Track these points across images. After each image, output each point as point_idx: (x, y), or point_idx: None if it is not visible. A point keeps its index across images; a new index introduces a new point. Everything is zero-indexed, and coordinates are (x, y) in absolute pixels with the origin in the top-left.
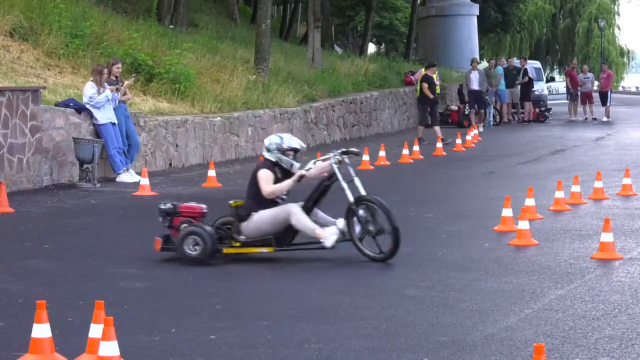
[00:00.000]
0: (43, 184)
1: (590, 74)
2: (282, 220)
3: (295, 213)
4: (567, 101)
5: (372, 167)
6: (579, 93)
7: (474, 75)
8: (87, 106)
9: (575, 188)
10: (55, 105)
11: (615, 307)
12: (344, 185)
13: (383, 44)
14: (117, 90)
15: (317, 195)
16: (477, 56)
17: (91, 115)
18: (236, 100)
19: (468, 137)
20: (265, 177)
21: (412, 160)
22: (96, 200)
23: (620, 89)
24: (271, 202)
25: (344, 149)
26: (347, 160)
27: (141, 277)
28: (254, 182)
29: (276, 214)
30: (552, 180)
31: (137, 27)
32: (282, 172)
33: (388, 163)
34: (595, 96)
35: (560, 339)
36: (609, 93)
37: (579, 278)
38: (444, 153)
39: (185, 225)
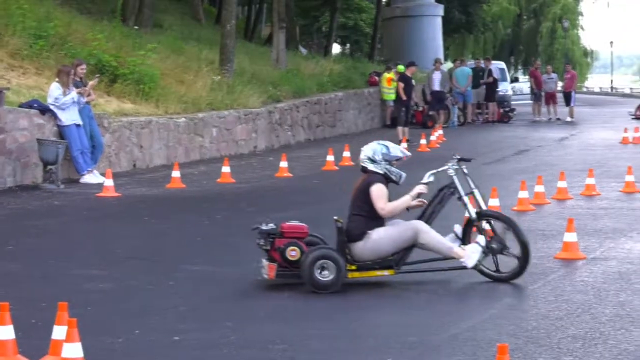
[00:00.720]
0: (6, 185)
1: (554, 75)
2: (407, 239)
3: (425, 231)
4: (531, 101)
5: (337, 168)
6: (542, 93)
7: (436, 75)
8: (51, 107)
9: (539, 188)
10: (19, 106)
11: (578, 307)
12: (465, 199)
13: (348, 44)
14: (81, 93)
15: (433, 209)
16: (441, 57)
17: (55, 117)
18: (200, 101)
19: (432, 138)
20: (381, 194)
21: None
22: (60, 201)
23: (584, 89)
24: (381, 219)
25: (459, 156)
26: (465, 169)
27: (105, 279)
28: (365, 198)
29: (400, 233)
30: (516, 181)
31: (102, 28)
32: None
33: (352, 164)
34: (559, 96)
35: (524, 339)
36: (572, 93)
37: (542, 278)
38: (409, 153)
39: (294, 247)
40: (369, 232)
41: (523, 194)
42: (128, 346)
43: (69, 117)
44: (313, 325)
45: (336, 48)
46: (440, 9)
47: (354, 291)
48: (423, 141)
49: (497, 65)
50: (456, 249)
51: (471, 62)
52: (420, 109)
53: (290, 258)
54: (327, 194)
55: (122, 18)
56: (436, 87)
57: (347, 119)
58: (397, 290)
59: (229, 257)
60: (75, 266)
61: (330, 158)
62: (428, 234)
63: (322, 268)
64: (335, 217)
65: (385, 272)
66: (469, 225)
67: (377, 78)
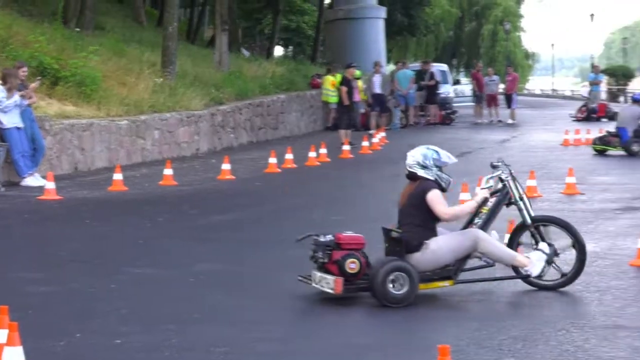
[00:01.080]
0: None
1: (495, 77)
2: (466, 248)
3: (485, 239)
4: (473, 104)
5: (279, 170)
6: (484, 95)
7: (376, 78)
8: None
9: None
10: None
11: (520, 308)
12: (520, 204)
13: (290, 47)
14: (23, 96)
15: (489, 216)
16: (382, 59)
17: None
18: (143, 103)
19: (375, 140)
20: (439, 199)
21: (319, 163)
22: (1, 204)
23: (525, 91)
24: (434, 228)
25: (503, 161)
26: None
27: (46, 282)
28: (419, 206)
29: (460, 242)
30: (457, 183)
31: (43, 30)
32: None
33: (295, 166)
34: (501, 98)
35: (466, 340)
36: (514, 95)
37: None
38: (351, 155)
39: (354, 260)
40: (427, 242)
41: (465, 196)
42: (70, 349)
43: (10, 120)
44: (256, 328)
45: (279, 50)
46: (382, 12)
47: (300, 293)
48: (365, 143)
49: (438, 67)
50: (520, 257)
51: (416, 64)
52: (363, 110)
53: (350, 271)
54: (269, 196)
55: (63, 20)
56: (376, 89)
57: (290, 122)
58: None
59: (171, 259)
60: (16, 269)
61: (272, 160)
62: (489, 242)
63: (394, 281)
64: (388, 227)
65: (446, 283)
66: (519, 230)
67: (319, 80)
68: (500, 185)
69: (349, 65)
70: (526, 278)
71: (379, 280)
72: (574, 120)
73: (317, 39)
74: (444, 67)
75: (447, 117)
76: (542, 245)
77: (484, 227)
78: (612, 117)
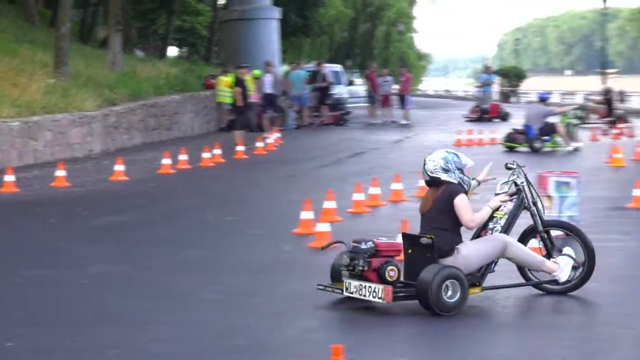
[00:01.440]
0: None
1: (389, 78)
2: (496, 253)
3: (513, 244)
4: (367, 104)
5: (174, 171)
6: (378, 96)
7: (267, 78)
8: None
9: (374, 190)
10: None
11: (416, 307)
12: (534, 209)
13: (184, 47)
14: None
15: (510, 221)
16: (277, 60)
17: None
18: (35, 104)
19: (269, 140)
20: (467, 205)
21: (213, 164)
22: None
23: (419, 92)
24: (460, 233)
25: (519, 163)
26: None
27: None
28: (447, 211)
29: (491, 247)
30: (351, 183)
31: None
32: None
33: (189, 166)
34: (395, 99)
35: (359, 340)
36: (407, 96)
37: None
38: (245, 156)
39: (393, 267)
40: (457, 247)
41: (358, 196)
42: None
43: None
44: (146, 329)
45: (173, 51)
46: (277, 12)
47: (179, 296)
48: (260, 144)
49: (332, 68)
50: (548, 262)
51: (310, 65)
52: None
53: (390, 279)
54: (162, 197)
55: None
56: (267, 89)
57: (184, 122)
58: (222, 293)
59: (64, 261)
60: None
61: (166, 161)
62: (517, 246)
63: (446, 288)
64: (414, 233)
65: (476, 290)
66: (529, 234)
67: (213, 81)
68: (514, 189)
69: (242, 65)
70: (554, 283)
71: (433, 288)
72: (466, 121)
73: (212, 40)
74: (338, 67)
75: (340, 117)
76: (568, 249)
77: (506, 232)
78: (504, 117)
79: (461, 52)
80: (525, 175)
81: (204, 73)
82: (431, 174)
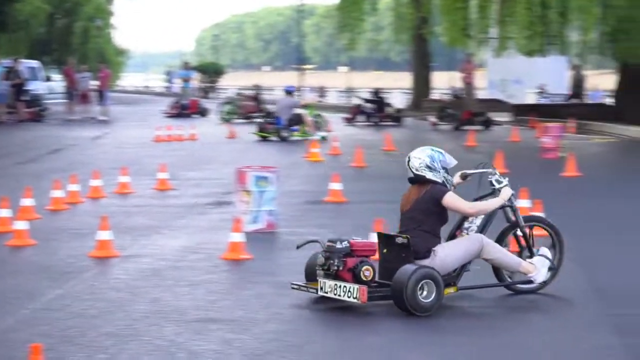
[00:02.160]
0: None
1: (88, 73)
2: (473, 254)
3: (491, 244)
4: (66, 100)
5: None
6: (76, 92)
7: None
8: None
9: (73, 187)
10: None
11: (112, 304)
12: (515, 204)
13: None
14: None
15: (485, 220)
16: None
17: None
18: None
19: None
20: (456, 199)
21: None
22: None
23: (119, 88)
24: (439, 235)
25: (487, 161)
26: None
27: None
28: (430, 212)
29: (467, 247)
30: (50, 180)
31: None
32: None
33: None
34: (93, 95)
35: (58, 338)
36: (106, 92)
37: (76, 276)
38: None
39: (368, 267)
40: (434, 248)
41: (57, 193)
42: None
43: None
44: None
45: None
46: None
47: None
48: None
49: (28, 64)
50: (525, 263)
51: (8, 61)
52: None
53: (365, 279)
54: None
55: None
56: None
57: None
58: None
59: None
60: None
61: None
62: (494, 247)
63: (421, 289)
64: (389, 233)
65: (451, 290)
66: (508, 231)
67: None
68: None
69: None
70: (529, 284)
71: (408, 288)
72: (166, 117)
73: None
74: (35, 63)
75: (38, 114)
76: (544, 250)
77: (482, 232)
78: (202, 112)
79: (160, 48)
80: (498, 173)
81: None
82: (416, 172)
